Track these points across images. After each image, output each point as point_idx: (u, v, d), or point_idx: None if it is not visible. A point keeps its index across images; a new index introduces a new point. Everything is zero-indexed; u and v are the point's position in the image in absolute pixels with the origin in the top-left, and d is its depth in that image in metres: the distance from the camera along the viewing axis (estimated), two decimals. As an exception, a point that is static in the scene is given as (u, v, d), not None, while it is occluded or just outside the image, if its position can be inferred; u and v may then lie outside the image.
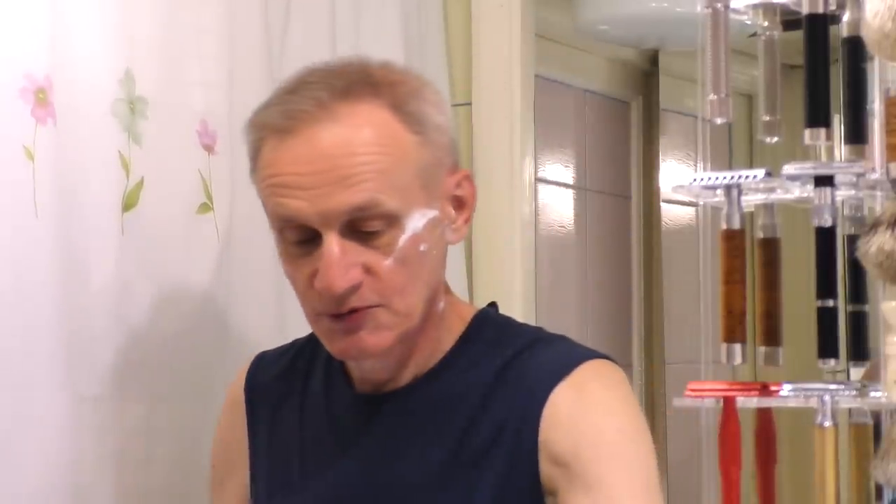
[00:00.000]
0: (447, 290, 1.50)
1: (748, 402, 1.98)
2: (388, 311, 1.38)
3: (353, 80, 1.38)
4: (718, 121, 1.98)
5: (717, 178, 1.98)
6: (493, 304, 1.59)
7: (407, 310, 1.39)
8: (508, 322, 1.54)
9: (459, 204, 1.45)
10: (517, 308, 2.52)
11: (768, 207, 2.00)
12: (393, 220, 1.36)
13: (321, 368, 1.54)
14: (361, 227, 1.35)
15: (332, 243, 1.35)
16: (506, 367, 1.43)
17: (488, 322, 1.51)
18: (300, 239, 1.38)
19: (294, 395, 1.55)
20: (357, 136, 1.35)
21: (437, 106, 1.43)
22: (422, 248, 1.39)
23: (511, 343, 1.46)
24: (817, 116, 1.90)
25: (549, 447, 1.37)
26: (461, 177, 1.45)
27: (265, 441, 1.57)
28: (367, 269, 1.36)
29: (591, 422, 1.38)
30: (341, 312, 1.37)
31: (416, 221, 1.38)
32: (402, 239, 1.37)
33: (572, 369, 1.41)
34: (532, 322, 2.58)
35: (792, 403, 1.95)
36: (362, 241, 1.36)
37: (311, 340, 1.57)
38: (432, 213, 1.40)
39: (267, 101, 1.44)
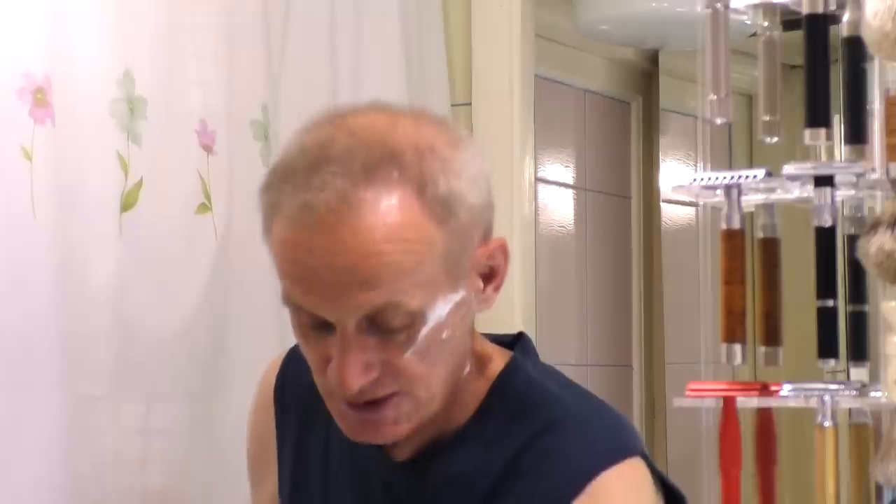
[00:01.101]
0: (474, 340, 1.39)
1: (748, 402, 1.97)
2: (408, 399, 1.29)
3: (377, 158, 1.24)
4: (718, 121, 1.98)
5: (717, 178, 1.97)
6: (520, 336, 1.46)
7: (429, 398, 1.30)
8: (532, 385, 1.39)
9: (491, 274, 1.33)
10: (517, 308, 2.53)
11: (768, 207, 2.00)
12: (415, 316, 1.25)
13: None
14: (380, 323, 1.24)
15: (347, 341, 1.25)
16: (519, 457, 1.33)
17: (512, 386, 1.38)
18: (314, 322, 1.27)
19: (320, 421, 1.44)
20: (379, 234, 1.22)
21: (471, 174, 1.29)
22: (445, 335, 1.28)
23: (530, 420, 1.35)
24: (817, 116, 1.90)
25: None
26: (494, 248, 1.32)
27: (290, 459, 1.48)
28: (385, 364, 1.26)
29: None
30: (358, 402, 1.28)
31: (440, 310, 1.27)
32: (424, 331, 1.26)
33: (591, 479, 1.30)
34: (532, 322, 2.60)
35: (792, 403, 1.94)
36: (381, 335, 1.25)
37: None
38: (458, 297, 1.29)
39: (285, 166, 1.28)
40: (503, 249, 1.34)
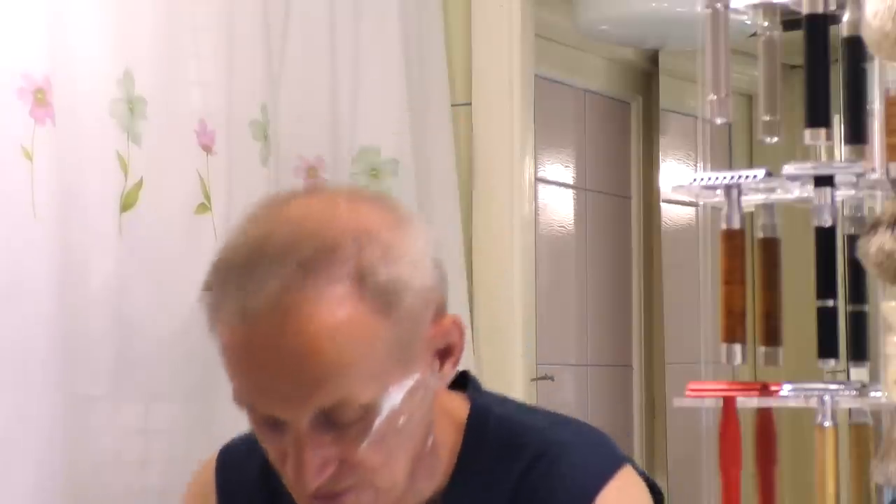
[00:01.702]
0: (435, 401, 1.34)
1: (748, 402, 1.97)
2: (369, 490, 1.26)
3: (314, 253, 1.20)
4: (718, 121, 1.98)
5: (717, 178, 1.97)
6: (465, 374, 1.42)
7: (390, 483, 1.26)
8: (505, 424, 1.38)
9: (446, 351, 1.29)
10: (517, 308, 2.53)
11: (768, 207, 2.00)
12: (367, 409, 1.22)
13: None
14: (333, 419, 1.21)
15: (302, 439, 1.22)
16: (516, 497, 1.32)
17: (486, 430, 1.36)
18: (268, 422, 1.24)
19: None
20: (321, 334, 1.19)
21: (413, 256, 1.24)
22: (401, 421, 1.25)
23: (516, 458, 1.33)
24: (817, 116, 1.90)
25: None
26: (448, 325, 1.28)
27: None
28: (341, 458, 1.23)
29: None
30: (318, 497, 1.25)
31: (394, 398, 1.23)
32: (378, 421, 1.23)
33: (593, 500, 1.29)
34: (532, 322, 2.60)
35: (792, 403, 1.94)
36: (335, 430, 1.22)
37: None
38: (412, 381, 1.25)
39: (223, 265, 1.25)
40: (457, 325, 1.29)
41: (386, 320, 1.21)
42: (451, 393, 1.37)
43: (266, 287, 1.19)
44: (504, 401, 1.41)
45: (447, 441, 1.34)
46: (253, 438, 1.37)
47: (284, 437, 1.23)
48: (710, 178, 1.98)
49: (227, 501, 1.43)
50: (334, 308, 1.19)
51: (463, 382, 1.41)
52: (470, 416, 1.36)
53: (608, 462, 1.34)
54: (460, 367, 1.37)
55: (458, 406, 1.37)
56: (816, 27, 1.90)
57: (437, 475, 1.34)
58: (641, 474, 1.37)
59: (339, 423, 1.22)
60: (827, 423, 1.88)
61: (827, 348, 1.91)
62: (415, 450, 1.29)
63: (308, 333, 1.19)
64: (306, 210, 1.25)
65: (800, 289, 2.06)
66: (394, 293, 1.22)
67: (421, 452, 1.31)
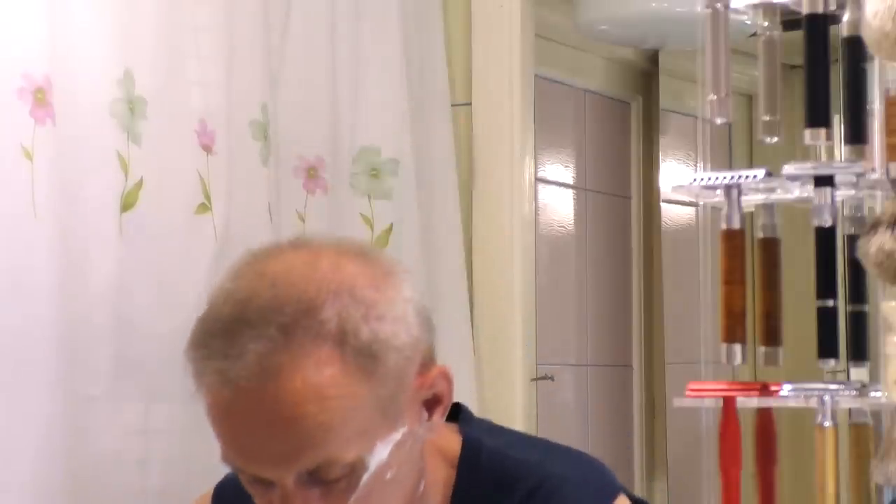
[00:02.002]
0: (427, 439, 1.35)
1: (748, 402, 1.97)
2: None
3: (293, 318, 1.20)
4: (718, 121, 1.98)
5: (717, 178, 1.97)
6: (458, 406, 1.43)
7: None
8: (498, 458, 1.38)
9: (434, 401, 1.29)
10: (517, 308, 2.53)
11: (768, 207, 2.00)
12: (354, 466, 1.22)
13: None
14: (320, 477, 1.22)
15: (289, 497, 1.22)
16: None
17: (479, 466, 1.37)
18: (255, 479, 1.25)
19: None
20: (303, 398, 1.19)
21: (396, 313, 1.24)
22: (388, 475, 1.25)
23: (511, 493, 1.34)
24: (817, 116, 1.90)
25: None
26: (435, 377, 1.28)
27: None
28: None
29: None
30: None
31: (380, 454, 1.24)
32: (366, 476, 1.23)
33: None
34: (532, 322, 2.60)
35: (792, 403, 1.94)
36: (321, 486, 1.23)
37: None
38: (399, 435, 1.25)
39: (204, 329, 1.24)
40: (445, 376, 1.29)
41: (369, 381, 1.21)
42: (442, 426, 1.36)
43: (247, 353, 1.19)
44: (495, 431, 1.42)
45: (439, 479, 1.35)
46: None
47: (272, 492, 1.23)
48: (710, 178, 1.98)
49: None
50: (315, 372, 1.20)
51: (454, 412, 1.40)
52: (462, 452, 1.36)
53: (604, 491, 1.35)
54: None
55: (450, 441, 1.37)
56: (816, 27, 1.90)
57: None
58: (637, 502, 1.38)
59: (326, 480, 1.22)
60: (827, 423, 1.88)
61: (827, 348, 1.91)
62: (405, 498, 1.30)
63: (290, 398, 1.19)
64: (288, 266, 1.25)
65: (800, 289, 2.06)
66: (376, 352, 1.21)
67: (412, 498, 1.31)
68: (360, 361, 1.21)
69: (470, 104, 2.56)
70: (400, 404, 1.25)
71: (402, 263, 1.30)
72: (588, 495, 1.34)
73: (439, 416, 1.30)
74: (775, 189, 1.99)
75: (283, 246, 1.29)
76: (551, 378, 2.96)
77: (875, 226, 1.80)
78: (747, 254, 1.97)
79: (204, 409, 1.25)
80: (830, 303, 1.91)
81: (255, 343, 1.20)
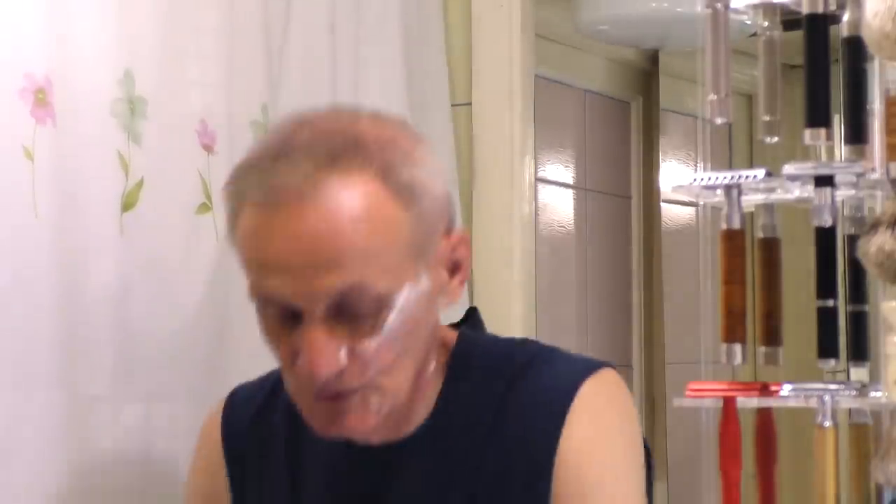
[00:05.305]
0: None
1: (748, 402, 1.97)
2: (376, 392, 1.29)
3: (340, 146, 1.26)
4: (718, 121, 1.98)
5: (717, 178, 1.98)
6: (472, 310, 1.51)
7: (395, 389, 1.30)
8: (492, 343, 1.45)
9: (454, 267, 1.36)
10: (517, 308, 2.53)
11: (768, 207, 2.00)
12: (381, 302, 1.26)
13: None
14: (347, 309, 1.25)
15: (315, 329, 1.25)
16: (504, 400, 1.36)
17: (472, 350, 1.42)
18: (281, 318, 1.28)
19: (279, 442, 1.45)
20: (345, 214, 1.24)
21: (431, 166, 1.32)
22: (411, 324, 1.29)
23: (502, 371, 1.38)
24: (817, 116, 1.90)
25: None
26: (457, 240, 1.35)
27: (256, 491, 1.46)
28: (352, 352, 1.27)
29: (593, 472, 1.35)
30: (326, 395, 1.29)
31: (406, 298, 1.28)
32: (391, 318, 1.27)
33: (578, 388, 1.36)
34: (532, 322, 2.60)
35: (792, 403, 1.95)
36: (347, 323, 1.26)
37: None
38: (424, 286, 1.30)
39: (249, 160, 1.31)
40: (466, 242, 1.37)
41: (406, 214, 1.27)
42: (447, 327, 1.44)
43: (296, 169, 1.25)
44: (495, 335, 1.48)
45: (438, 366, 1.39)
46: (260, 383, 1.49)
47: (297, 332, 1.26)
48: (710, 178, 1.98)
49: (231, 446, 1.48)
50: (361, 193, 1.25)
51: (464, 322, 1.48)
52: (457, 341, 1.42)
53: (593, 362, 1.41)
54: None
55: (452, 336, 1.43)
56: (816, 27, 1.91)
57: (430, 399, 1.38)
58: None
59: (354, 313, 1.25)
60: (827, 423, 1.88)
61: (827, 348, 1.91)
62: (419, 362, 1.34)
63: (332, 214, 1.23)
64: (328, 117, 1.32)
65: (800, 289, 2.07)
66: (414, 192, 1.28)
67: (422, 371, 1.35)
68: (402, 195, 1.27)
69: (470, 104, 2.56)
70: (429, 254, 1.31)
71: None
72: (578, 363, 1.40)
73: (458, 282, 1.36)
74: (775, 189, 1.99)
75: (321, 109, 1.36)
76: (551, 378, 2.95)
77: (875, 226, 1.80)
78: (747, 254, 1.98)
79: (237, 244, 1.29)
80: (830, 303, 1.91)
81: (304, 163, 1.25)
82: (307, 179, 1.24)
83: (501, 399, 1.36)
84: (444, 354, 1.41)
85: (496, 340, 1.46)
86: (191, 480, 1.55)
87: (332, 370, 1.25)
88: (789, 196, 2.00)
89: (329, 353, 1.25)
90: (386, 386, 1.30)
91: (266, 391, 1.49)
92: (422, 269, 1.29)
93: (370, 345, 1.27)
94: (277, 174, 1.25)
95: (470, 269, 1.37)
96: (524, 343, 1.46)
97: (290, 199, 1.24)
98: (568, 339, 3.22)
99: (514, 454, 1.34)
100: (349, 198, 1.24)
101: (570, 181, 3.28)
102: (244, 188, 1.28)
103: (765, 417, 2.00)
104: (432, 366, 1.38)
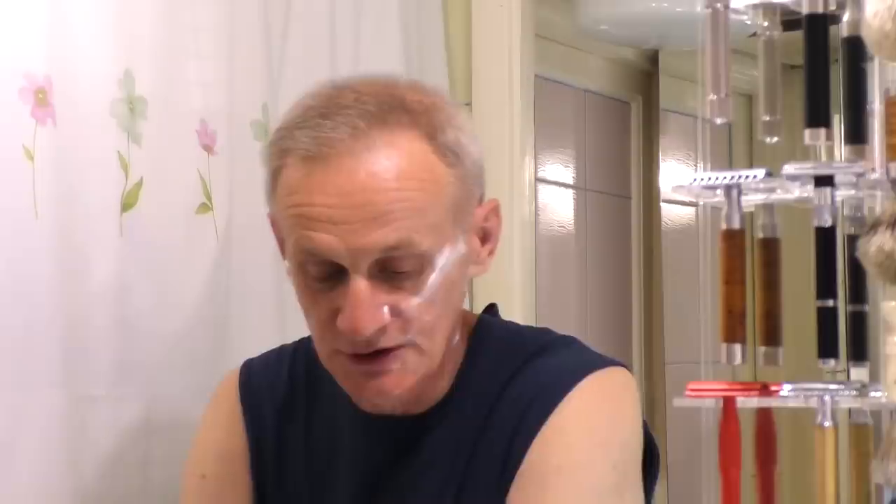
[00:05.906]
0: None
1: (748, 402, 1.97)
2: (414, 352, 1.31)
3: (387, 106, 1.28)
4: (718, 121, 1.97)
5: (717, 178, 1.97)
6: (492, 305, 1.54)
7: (432, 350, 1.33)
8: (509, 330, 1.47)
9: (486, 236, 1.38)
10: (517, 308, 2.53)
11: (768, 207, 2.00)
12: (424, 260, 1.28)
13: (327, 382, 1.41)
14: (391, 266, 1.27)
15: (361, 283, 1.27)
16: (512, 379, 1.38)
17: (492, 331, 1.44)
18: (323, 274, 1.29)
19: (297, 414, 1.47)
20: (394, 169, 1.26)
21: (470, 132, 1.35)
22: (449, 285, 1.32)
23: (516, 355, 1.41)
24: (817, 116, 1.90)
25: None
26: (489, 209, 1.38)
27: (273, 452, 1.48)
28: (394, 310, 1.29)
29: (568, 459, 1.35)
30: (365, 353, 1.30)
31: (446, 258, 1.30)
32: (432, 278, 1.29)
33: (581, 378, 1.37)
34: (532, 322, 2.60)
35: (792, 403, 1.94)
36: (390, 281, 1.28)
37: (299, 349, 1.50)
38: (461, 249, 1.33)
39: (293, 120, 1.32)
40: (497, 211, 1.39)
41: (451, 173, 1.30)
42: (468, 311, 1.47)
43: (345, 124, 1.26)
44: (517, 323, 1.50)
45: (459, 345, 1.41)
46: (271, 356, 1.52)
47: (338, 291, 1.28)
48: (710, 178, 1.98)
49: (250, 403, 1.50)
50: (408, 150, 1.27)
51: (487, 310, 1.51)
52: (478, 323, 1.44)
53: (605, 359, 1.42)
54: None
55: (471, 318, 1.46)
56: (816, 27, 1.90)
57: (450, 377, 1.40)
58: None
59: (396, 271, 1.28)
60: (827, 423, 1.88)
61: (827, 348, 1.91)
62: (451, 329, 1.37)
63: (381, 169, 1.25)
64: (370, 81, 1.34)
65: (800, 289, 2.07)
66: (458, 153, 1.31)
67: (450, 341, 1.38)
68: (447, 155, 1.30)
69: (470, 104, 2.56)
70: (467, 217, 1.34)
71: None
72: (589, 355, 1.42)
73: (488, 251, 1.39)
74: (775, 189, 1.99)
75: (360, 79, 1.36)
76: (551, 378, 2.96)
77: (875, 226, 1.80)
78: (747, 254, 1.97)
79: (280, 205, 1.30)
80: (830, 303, 1.91)
81: (353, 119, 1.26)
82: (356, 135, 1.25)
83: (510, 381, 1.38)
84: (466, 333, 1.43)
85: (517, 326, 1.48)
86: (206, 437, 1.54)
87: (376, 324, 1.28)
88: (789, 196, 1.99)
89: (374, 308, 1.27)
90: (425, 346, 1.32)
91: (282, 362, 1.51)
92: (459, 232, 1.32)
93: (411, 303, 1.29)
94: (326, 129, 1.26)
95: (498, 240, 1.40)
96: (543, 331, 1.48)
97: (341, 152, 1.25)
98: (568, 339, 3.23)
99: (502, 438, 1.35)
100: (397, 155, 1.26)
101: (570, 181, 3.28)
102: (290, 145, 1.29)
103: (765, 417, 2.00)
104: (457, 338, 1.40)
